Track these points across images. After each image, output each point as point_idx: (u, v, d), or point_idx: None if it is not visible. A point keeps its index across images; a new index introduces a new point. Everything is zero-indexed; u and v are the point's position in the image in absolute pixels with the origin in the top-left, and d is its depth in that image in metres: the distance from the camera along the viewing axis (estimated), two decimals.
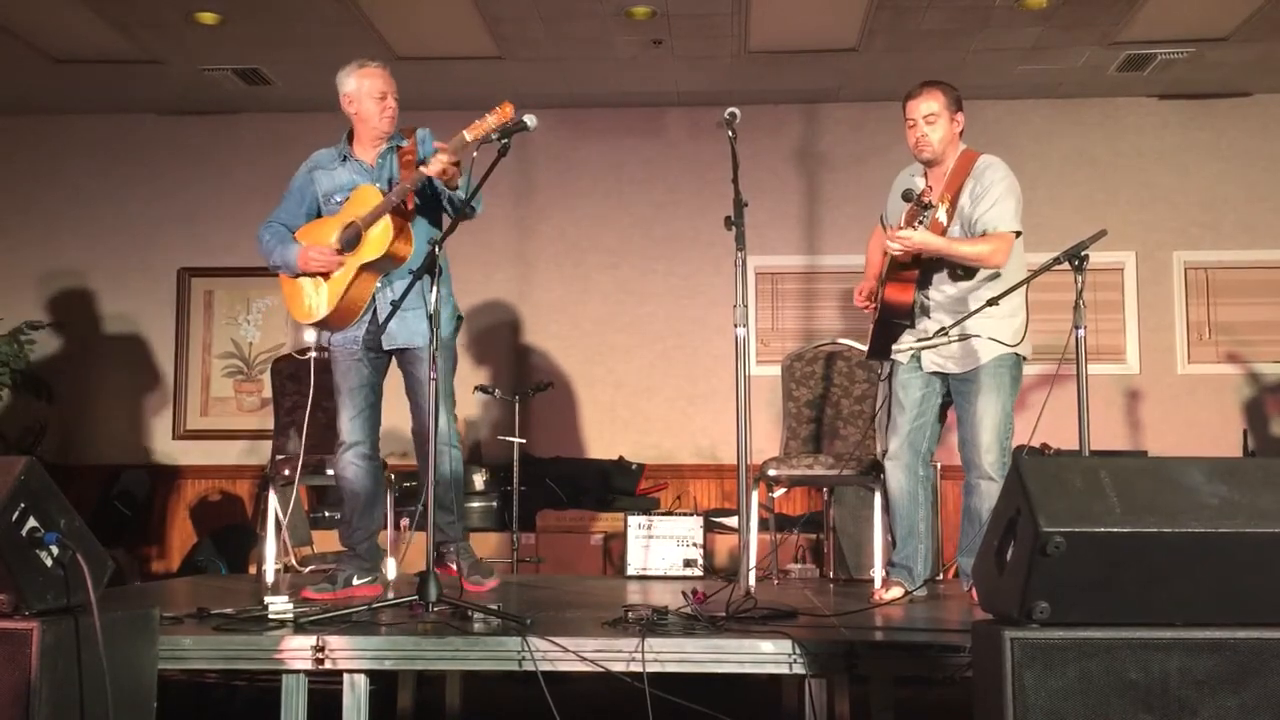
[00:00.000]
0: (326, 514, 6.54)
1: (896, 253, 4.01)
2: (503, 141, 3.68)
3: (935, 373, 4.13)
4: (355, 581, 4.16)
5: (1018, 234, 4.02)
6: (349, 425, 4.16)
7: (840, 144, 7.37)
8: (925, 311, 4.12)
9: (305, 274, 4.06)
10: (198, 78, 6.92)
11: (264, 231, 4.18)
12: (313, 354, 5.54)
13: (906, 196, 3.99)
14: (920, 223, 4.01)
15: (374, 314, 4.06)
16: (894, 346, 4.14)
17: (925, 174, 4.19)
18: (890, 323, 4.15)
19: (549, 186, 7.37)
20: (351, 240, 3.99)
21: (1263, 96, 7.24)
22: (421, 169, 3.90)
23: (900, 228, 3.99)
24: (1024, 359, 4.09)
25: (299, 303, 4.08)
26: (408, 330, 4.05)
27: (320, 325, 4.09)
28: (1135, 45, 6.47)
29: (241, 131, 7.55)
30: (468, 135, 3.81)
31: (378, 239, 3.95)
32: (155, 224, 7.51)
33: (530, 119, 3.76)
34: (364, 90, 4.13)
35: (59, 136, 7.58)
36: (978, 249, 4.00)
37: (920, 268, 4.08)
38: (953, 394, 4.14)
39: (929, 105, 4.07)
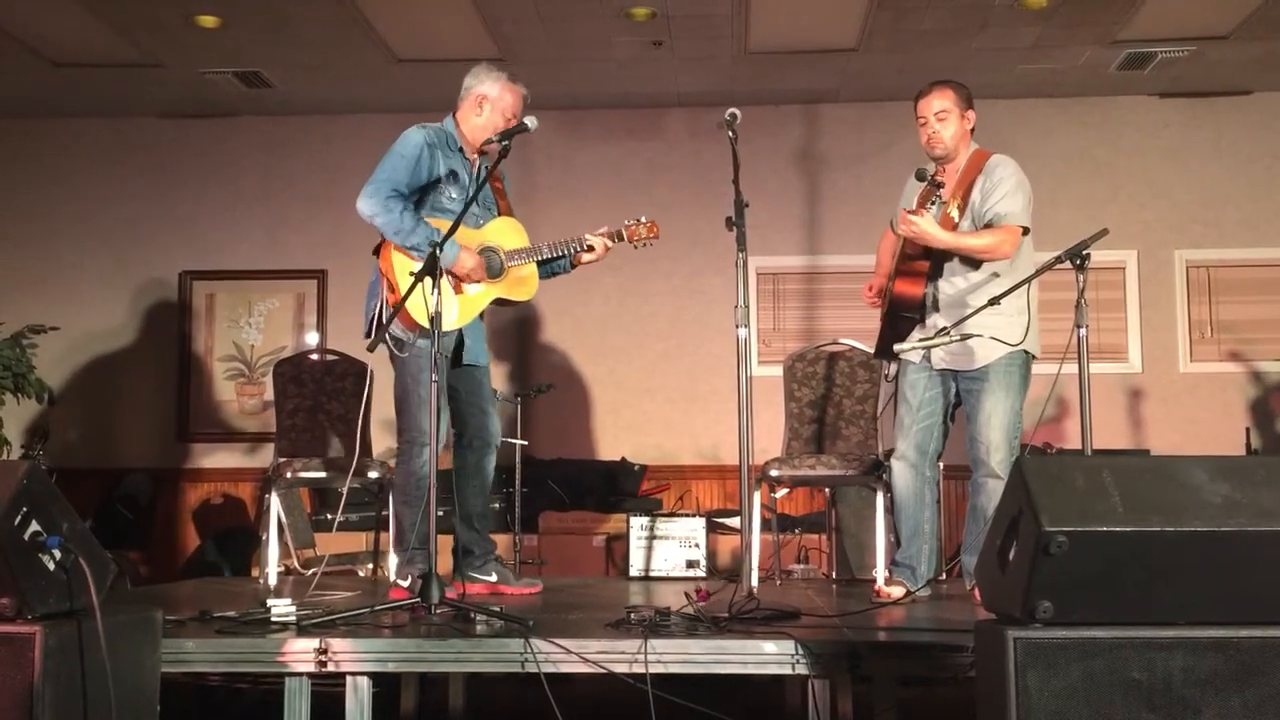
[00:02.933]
0: (329, 516, 6.54)
1: (903, 233, 4.03)
2: (503, 143, 3.71)
3: (945, 370, 4.13)
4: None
5: (1026, 231, 4.04)
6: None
7: (841, 144, 7.37)
8: (936, 306, 4.12)
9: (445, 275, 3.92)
10: (198, 80, 6.92)
11: (395, 201, 3.92)
12: (314, 355, 5.55)
13: (920, 176, 4.01)
14: (933, 203, 4.02)
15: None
16: (898, 346, 4.14)
17: (937, 172, 4.20)
18: (899, 317, 4.16)
19: (549, 188, 7.36)
20: (494, 268, 4.12)
21: (1263, 94, 7.23)
22: (588, 252, 4.23)
23: (913, 211, 4.01)
24: (1034, 357, 4.09)
25: (421, 300, 3.76)
26: (479, 349, 4.23)
27: (428, 332, 3.82)
28: (1136, 44, 6.47)
29: (242, 134, 7.56)
30: (620, 236, 4.26)
31: (528, 283, 4.21)
32: (157, 227, 7.52)
33: (530, 120, 3.79)
34: (502, 103, 4.13)
35: (60, 140, 7.59)
36: (982, 241, 4.01)
37: (931, 259, 4.09)
38: (961, 392, 4.14)
39: (940, 103, 4.12)
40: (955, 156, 4.16)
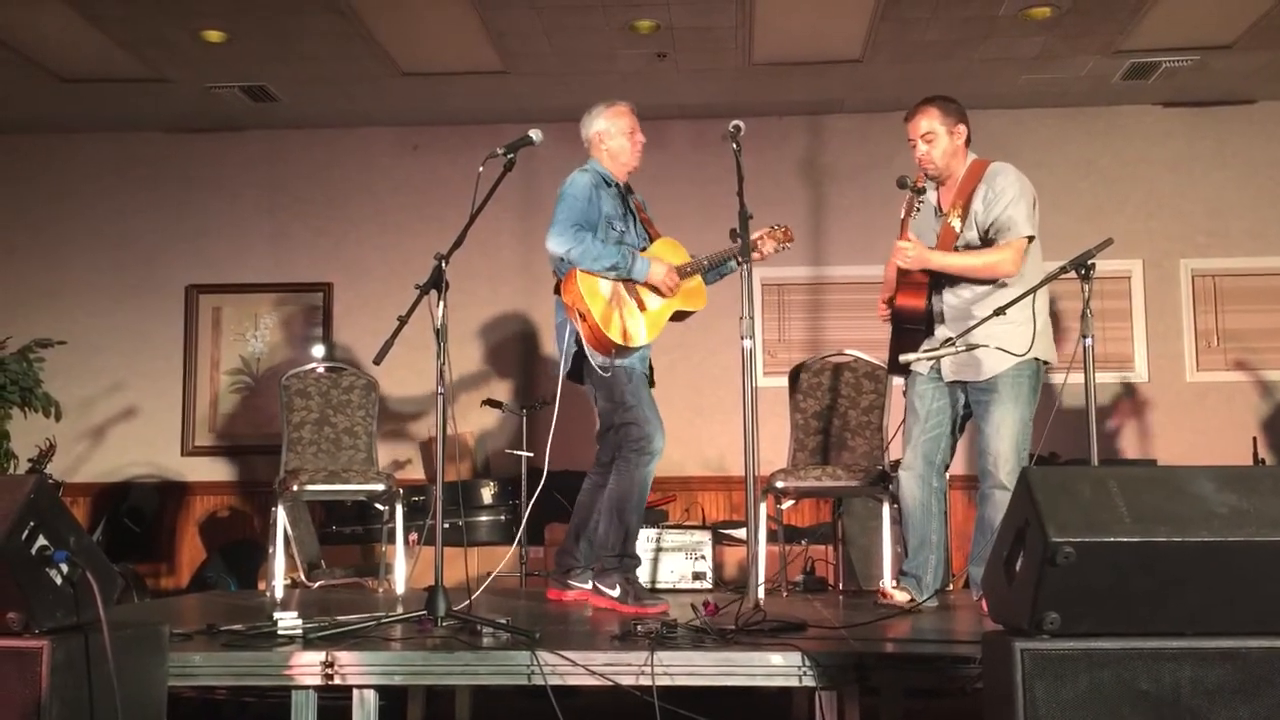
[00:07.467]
0: (335, 528, 6.54)
1: (900, 264, 4.05)
2: (508, 156, 3.74)
3: (955, 382, 4.12)
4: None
5: (1030, 238, 4.03)
6: (660, 434, 4.26)
7: (845, 155, 7.38)
8: (941, 319, 4.12)
9: (639, 288, 4.20)
10: (204, 95, 6.95)
11: (582, 233, 4.15)
12: (320, 368, 5.56)
13: (901, 184, 4.04)
14: (918, 209, 4.04)
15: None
16: (903, 357, 4.14)
17: (937, 185, 4.21)
18: (904, 330, 4.16)
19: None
20: None
21: (1267, 104, 7.24)
22: (753, 253, 4.21)
23: (901, 236, 4.03)
24: (1046, 365, 4.08)
25: (612, 321, 4.15)
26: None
27: (623, 350, 4.17)
28: (1139, 54, 6.47)
29: (248, 148, 7.58)
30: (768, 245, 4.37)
31: (700, 293, 4.40)
32: (163, 241, 7.54)
33: (535, 133, 3.84)
34: (616, 128, 4.35)
35: (67, 155, 7.62)
36: (982, 259, 4.01)
37: (931, 273, 4.09)
38: (971, 403, 4.13)
39: (925, 124, 4.12)
40: (951, 172, 4.16)
